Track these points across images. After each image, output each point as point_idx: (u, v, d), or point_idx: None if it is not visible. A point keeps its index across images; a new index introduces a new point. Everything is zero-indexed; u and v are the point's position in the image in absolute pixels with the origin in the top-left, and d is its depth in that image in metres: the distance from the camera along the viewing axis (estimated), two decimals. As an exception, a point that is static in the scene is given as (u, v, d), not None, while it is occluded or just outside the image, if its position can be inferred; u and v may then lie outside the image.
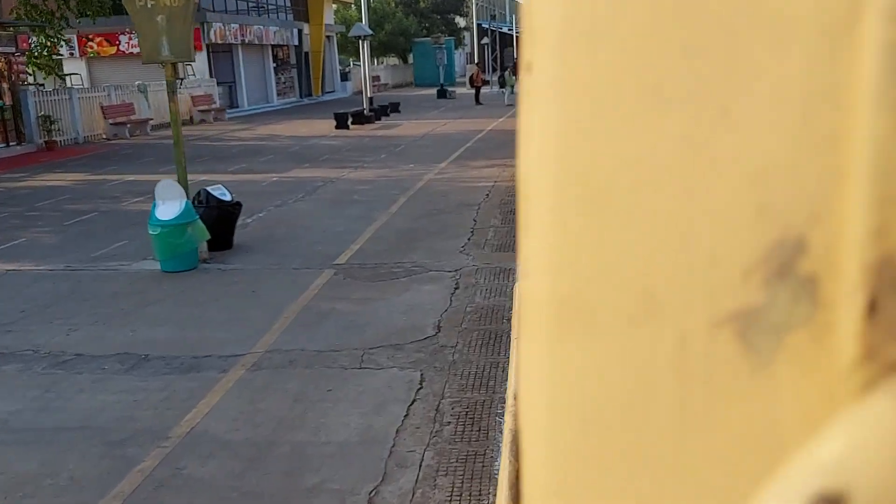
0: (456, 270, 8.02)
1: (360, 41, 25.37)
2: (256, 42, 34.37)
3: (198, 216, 8.37)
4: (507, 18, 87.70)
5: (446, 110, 30.27)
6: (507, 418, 0.62)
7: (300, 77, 39.74)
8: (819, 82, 0.26)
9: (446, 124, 24.11)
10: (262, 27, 34.79)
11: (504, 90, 32.67)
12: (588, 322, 0.32)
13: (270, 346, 6.13)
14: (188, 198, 8.56)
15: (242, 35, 32.84)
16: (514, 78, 30.68)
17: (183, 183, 8.58)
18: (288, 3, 39.51)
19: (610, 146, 0.30)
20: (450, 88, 39.44)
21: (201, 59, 30.18)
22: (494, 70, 44.43)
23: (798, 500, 0.21)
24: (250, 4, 35.14)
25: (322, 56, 41.76)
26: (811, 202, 0.26)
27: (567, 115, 0.31)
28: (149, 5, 8.28)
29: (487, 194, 12.18)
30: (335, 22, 51.32)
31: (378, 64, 58.29)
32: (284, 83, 38.41)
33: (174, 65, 8.52)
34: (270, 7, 37.34)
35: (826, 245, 0.26)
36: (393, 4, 57.74)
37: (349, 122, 23.35)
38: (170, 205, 8.18)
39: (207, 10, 30.47)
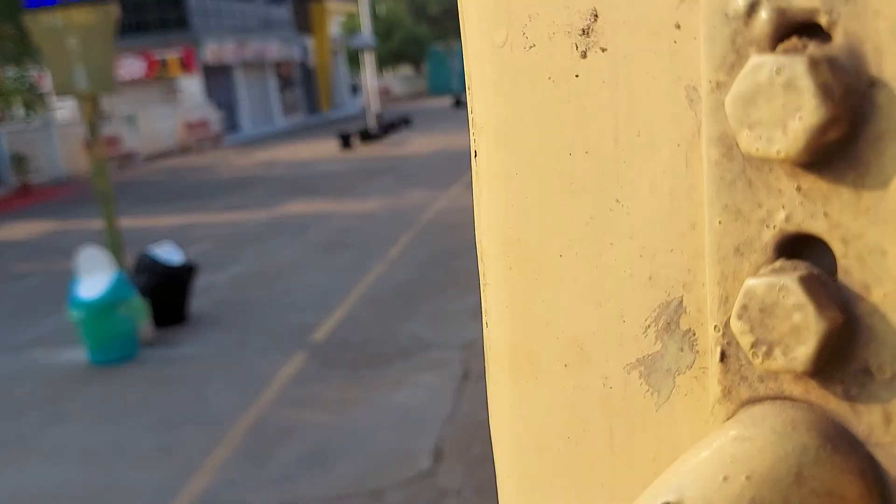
0: (465, 346, 6.12)
1: (363, 53, 23.62)
2: (256, 60, 32.79)
3: (134, 291, 6.56)
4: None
5: (462, 122, 28.44)
6: None
7: (307, 94, 38.15)
8: (679, 182, 0.33)
9: (461, 138, 22.27)
10: (261, 44, 33.19)
11: None
12: (533, 366, 0.39)
13: (197, 499, 4.27)
14: (124, 265, 6.77)
15: (241, 53, 31.25)
16: None
17: (114, 248, 6.77)
18: (290, 17, 37.95)
19: (537, 221, 0.37)
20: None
21: (195, 83, 28.64)
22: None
23: None
24: (249, 20, 33.56)
25: (329, 70, 40.18)
26: (684, 274, 0.33)
27: (504, 193, 0.38)
28: (59, 25, 6.49)
29: (505, 226, 10.33)
30: (343, 33, 49.73)
31: (389, 74, 56.65)
32: (290, 102, 36.83)
33: (93, 98, 6.71)
34: (271, 21, 35.75)
35: (697, 307, 0.33)
36: (401, 12, 56.02)
37: (354, 142, 21.57)
38: (95, 279, 6.38)
39: (200, 29, 28.90)
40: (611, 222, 0.35)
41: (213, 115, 27.79)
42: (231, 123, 31.60)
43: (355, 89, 44.86)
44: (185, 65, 28.33)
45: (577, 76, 0.35)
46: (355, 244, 10.05)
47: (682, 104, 0.32)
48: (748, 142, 0.27)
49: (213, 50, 29.13)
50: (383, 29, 52.14)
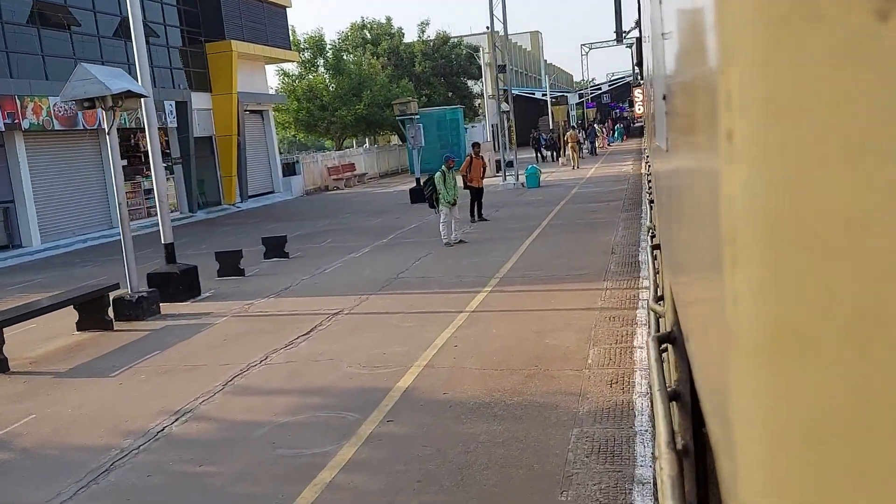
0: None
1: (100, 113, 10.09)
2: (68, 127, 19.46)
3: None
4: (533, 81, 73.16)
5: (394, 243, 14.72)
6: (664, 465, 0.86)
7: (188, 179, 24.78)
8: None
9: (327, 324, 8.41)
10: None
11: (437, 207, 13.83)
12: (805, 345, 0.35)
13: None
14: None
15: (18, 114, 17.91)
16: (450, 182, 13.54)
17: None
18: (165, 62, 24.76)
19: (816, 193, 0.34)
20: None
21: None
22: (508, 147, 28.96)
23: None
24: (58, 59, 20.25)
25: (238, 142, 26.92)
26: None
27: (771, 169, 0.36)
28: None
29: None
30: (279, 90, 36.62)
31: (358, 146, 43.42)
32: (149, 192, 23.35)
33: None
34: (119, 64, 22.44)
35: None
36: (379, 67, 43.00)
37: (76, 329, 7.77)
38: None
39: None
40: None
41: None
42: (9, 233, 18.20)
43: (290, 168, 31.47)
44: None
45: (877, 40, 0.32)
46: None
47: None
48: None
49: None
50: (350, 87, 39.02)
